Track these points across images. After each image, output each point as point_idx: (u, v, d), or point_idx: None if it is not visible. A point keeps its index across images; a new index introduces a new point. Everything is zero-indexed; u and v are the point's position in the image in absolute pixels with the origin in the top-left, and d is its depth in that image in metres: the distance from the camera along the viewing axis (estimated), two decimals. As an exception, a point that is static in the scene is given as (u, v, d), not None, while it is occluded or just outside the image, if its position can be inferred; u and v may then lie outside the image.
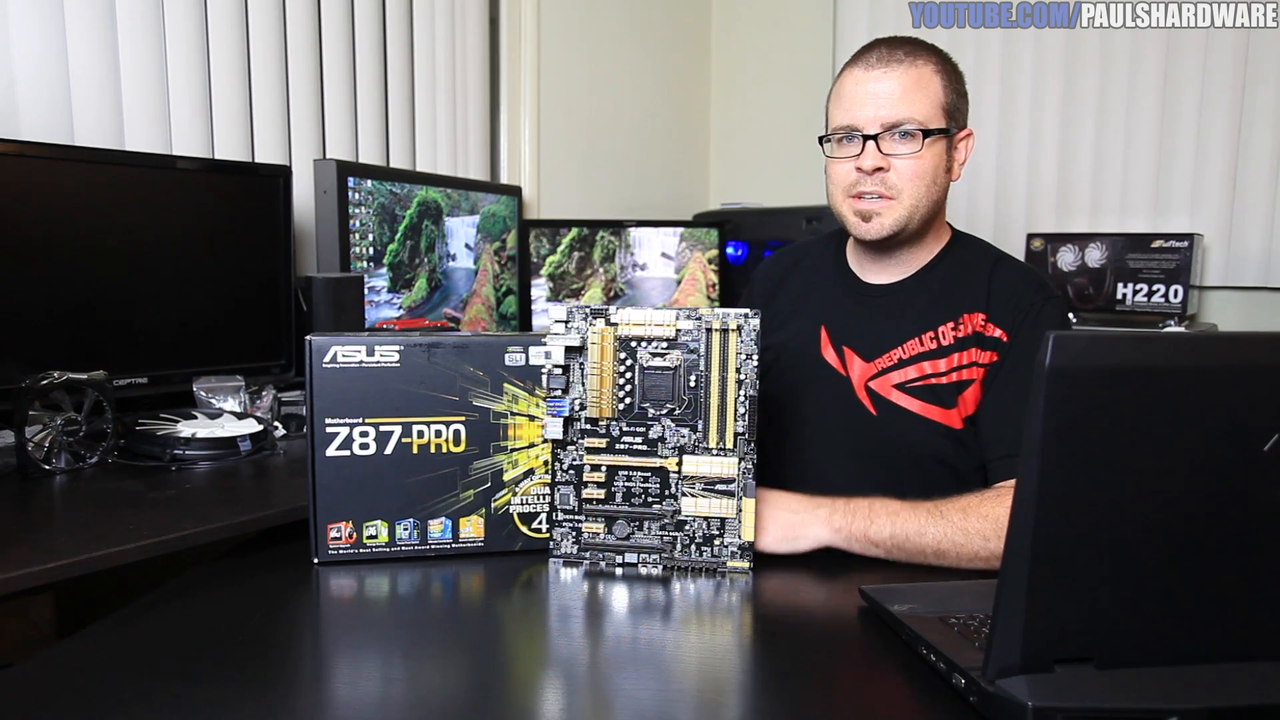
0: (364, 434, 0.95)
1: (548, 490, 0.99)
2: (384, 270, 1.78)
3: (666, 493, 0.97)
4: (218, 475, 1.20)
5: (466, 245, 2.04)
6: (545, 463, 0.99)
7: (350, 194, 1.68)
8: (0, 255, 1.23)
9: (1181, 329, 2.22)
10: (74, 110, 1.47)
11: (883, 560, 1.01)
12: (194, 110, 1.64)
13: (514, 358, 0.98)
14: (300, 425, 1.46)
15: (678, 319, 0.95)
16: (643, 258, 2.42)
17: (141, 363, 1.39)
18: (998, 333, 1.14)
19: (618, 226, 2.39)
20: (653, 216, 2.76)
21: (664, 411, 0.96)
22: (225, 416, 1.39)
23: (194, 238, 1.46)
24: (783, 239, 2.48)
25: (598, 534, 0.97)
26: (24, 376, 1.16)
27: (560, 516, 0.98)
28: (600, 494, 0.97)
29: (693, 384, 0.96)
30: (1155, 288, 2.34)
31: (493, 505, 0.99)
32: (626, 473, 0.97)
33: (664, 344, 0.96)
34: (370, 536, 0.96)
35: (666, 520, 0.97)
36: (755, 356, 0.95)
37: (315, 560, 0.95)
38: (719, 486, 0.96)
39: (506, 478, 0.99)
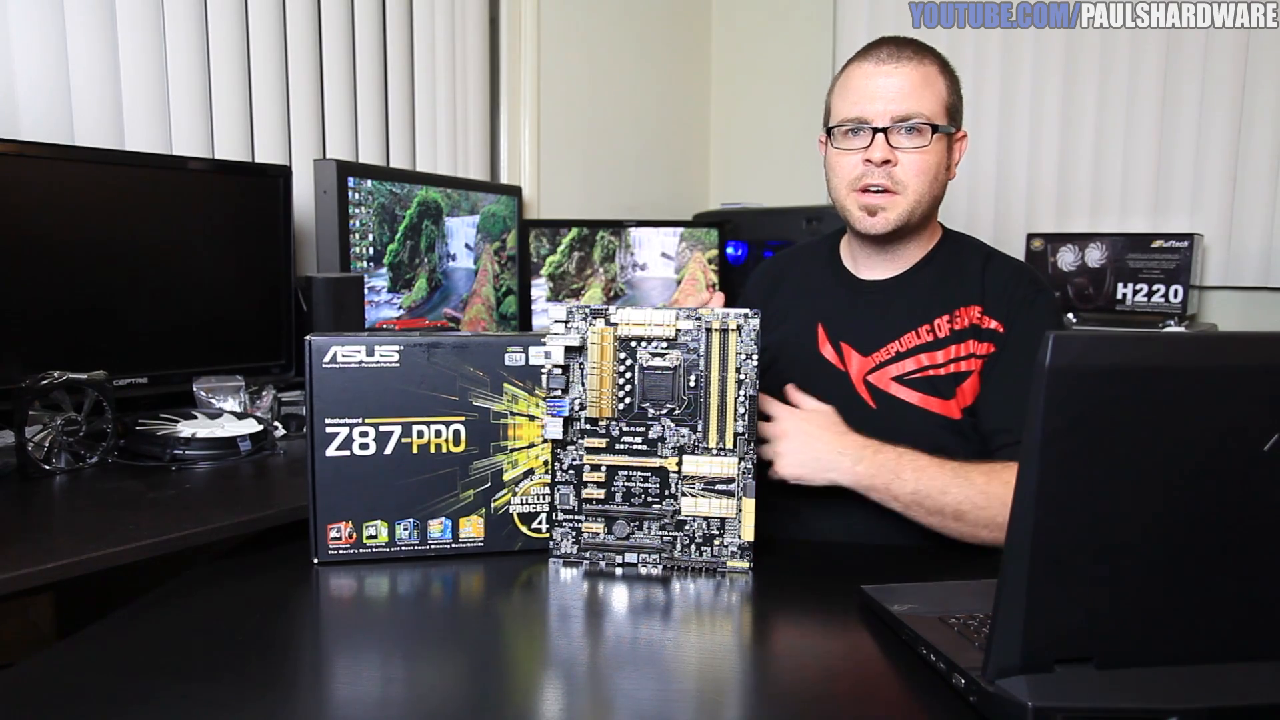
0: (364, 434, 0.95)
1: (548, 490, 0.99)
2: (384, 270, 1.78)
3: (666, 493, 0.97)
4: (218, 475, 1.20)
5: (466, 245, 2.04)
6: (545, 463, 0.99)
7: (350, 194, 1.68)
8: (0, 255, 1.23)
9: (1181, 329, 2.22)
10: (74, 110, 1.47)
11: (882, 560, 1.01)
12: (194, 110, 1.64)
13: (514, 358, 0.98)
14: (300, 425, 1.46)
15: (678, 319, 0.95)
16: (643, 258, 2.42)
17: (141, 363, 1.39)
18: (994, 324, 1.16)
19: (618, 226, 2.39)
20: (653, 216, 2.76)
21: (664, 411, 0.96)
22: (225, 416, 1.39)
23: (194, 238, 1.46)
24: (783, 239, 2.48)
25: (598, 534, 0.97)
26: (24, 376, 1.16)
27: (560, 516, 0.98)
28: (600, 494, 0.97)
29: (692, 384, 0.96)
30: (1155, 288, 2.34)
31: (493, 505, 0.99)
32: (626, 473, 0.97)
33: (664, 344, 0.96)
34: (370, 536, 0.96)
35: (666, 520, 0.97)
36: (755, 356, 0.95)
37: (315, 560, 0.95)
38: (719, 486, 0.96)
39: (506, 478, 0.99)
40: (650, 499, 0.97)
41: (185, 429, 1.32)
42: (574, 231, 2.32)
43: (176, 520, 0.97)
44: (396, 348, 0.95)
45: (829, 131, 1.21)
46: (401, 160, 2.10)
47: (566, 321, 0.96)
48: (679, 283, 2.45)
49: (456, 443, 0.97)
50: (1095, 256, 2.42)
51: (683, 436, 0.96)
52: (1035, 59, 2.61)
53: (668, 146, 3.03)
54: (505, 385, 0.98)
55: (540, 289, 2.29)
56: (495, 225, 2.14)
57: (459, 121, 2.25)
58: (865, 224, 1.18)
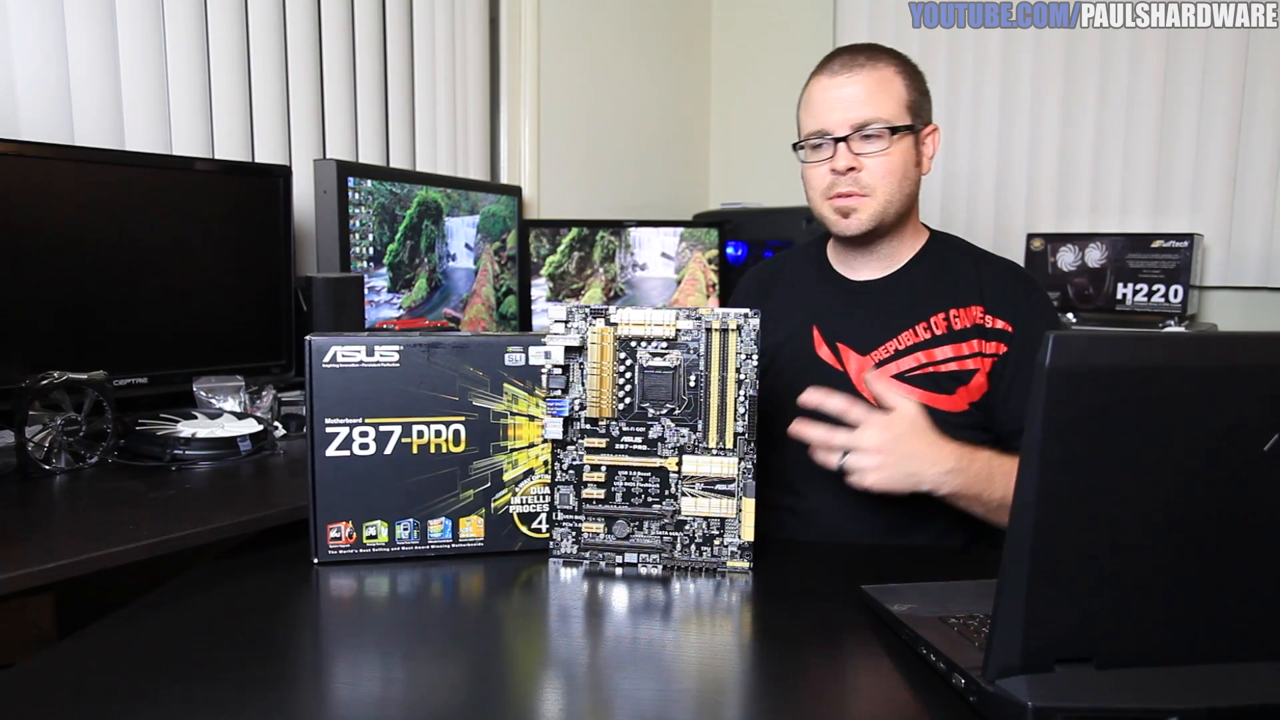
0: (364, 434, 0.95)
1: (548, 490, 0.99)
2: (384, 270, 1.78)
3: (666, 493, 0.97)
4: (218, 475, 1.20)
5: (466, 245, 2.04)
6: (545, 463, 0.99)
7: (350, 194, 1.68)
8: (0, 255, 1.23)
9: (1181, 329, 2.22)
10: (74, 110, 1.47)
11: (882, 560, 1.01)
12: (194, 110, 1.64)
13: (514, 358, 0.98)
14: (300, 425, 1.46)
15: (677, 319, 0.95)
16: (643, 258, 2.42)
17: (141, 363, 1.39)
18: (1001, 324, 1.18)
19: (618, 226, 2.38)
20: (653, 216, 2.76)
21: (664, 411, 0.96)
22: (225, 416, 1.39)
23: (194, 238, 1.46)
24: (783, 239, 2.48)
25: (598, 534, 0.97)
26: (24, 376, 1.16)
27: (560, 516, 0.98)
28: (600, 494, 0.97)
29: (692, 384, 0.96)
30: (1155, 288, 2.34)
31: (493, 505, 0.99)
32: (626, 473, 0.97)
33: (664, 344, 0.96)
34: (370, 536, 0.96)
35: (666, 520, 0.97)
36: (755, 356, 0.95)
37: (315, 560, 0.95)
38: (719, 486, 0.96)
39: (506, 478, 0.99)
40: (650, 499, 0.97)
41: (185, 429, 1.32)
42: (574, 231, 2.32)
43: (176, 520, 0.97)
44: (396, 348, 0.95)
45: (797, 146, 1.25)
46: (401, 160, 2.10)
47: (566, 321, 0.96)
48: (679, 283, 2.45)
49: (456, 443, 0.97)
50: (1095, 256, 2.42)
51: (683, 436, 0.96)
52: (1035, 59, 2.61)
53: (668, 146, 3.03)
54: (505, 385, 0.98)
55: (540, 289, 2.29)
56: (495, 225, 2.14)
57: (459, 121, 2.25)
58: (841, 226, 1.21)
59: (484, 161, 2.35)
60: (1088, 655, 0.63)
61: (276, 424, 1.45)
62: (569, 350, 0.96)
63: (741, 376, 0.95)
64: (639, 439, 0.97)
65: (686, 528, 0.97)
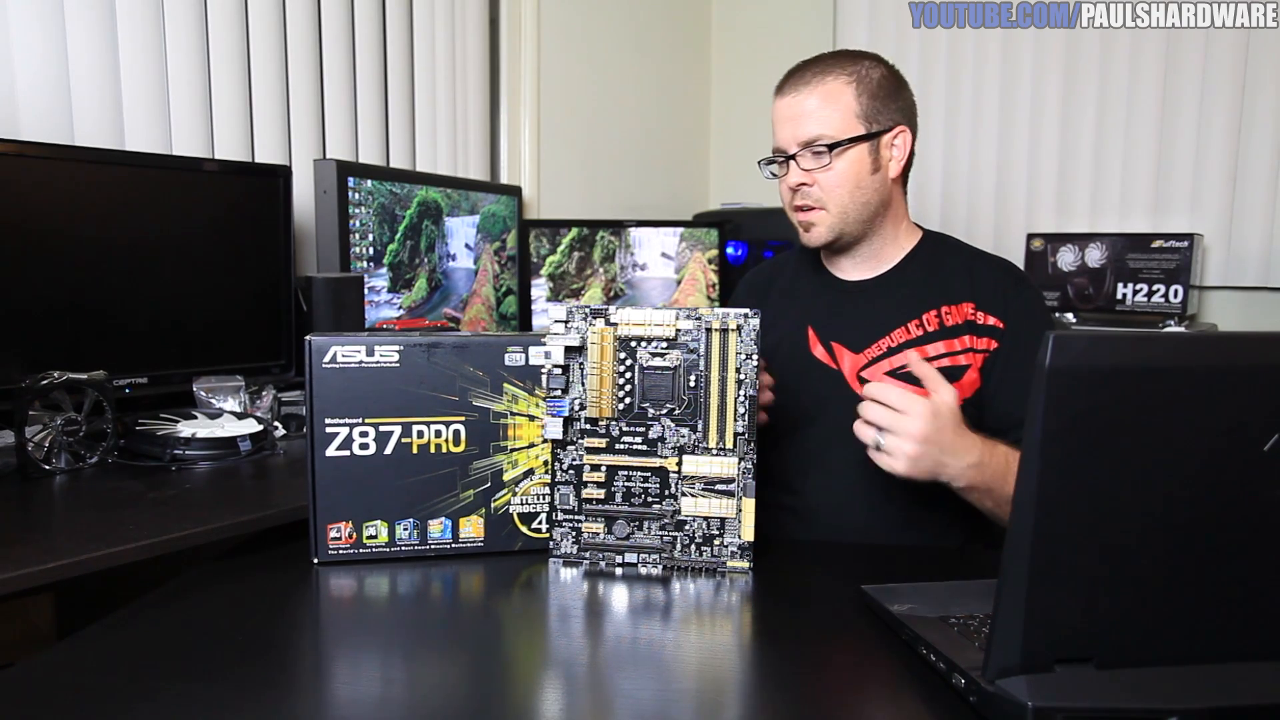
0: (364, 434, 0.95)
1: (548, 490, 0.99)
2: (384, 270, 1.78)
3: (666, 493, 0.97)
4: (218, 475, 1.20)
5: (466, 245, 2.04)
6: (545, 463, 0.99)
7: (350, 194, 1.68)
8: (0, 255, 1.23)
9: (1181, 329, 2.22)
10: (74, 110, 1.47)
11: (882, 560, 1.01)
12: (194, 110, 1.64)
13: (514, 358, 0.98)
14: (300, 425, 1.46)
15: (678, 319, 0.95)
16: (643, 258, 2.42)
17: (141, 363, 1.39)
18: (991, 320, 1.19)
19: (618, 226, 2.38)
20: (653, 216, 2.75)
21: (664, 411, 0.96)
22: (225, 416, 1.39)
23: (194, 238, 1.46)
24: (783, 239, 2.48)
25: (598, 534, 0.97)
26: (24, 376, 1.16)
27: (560, 516, 0.98)
28: (600, 494, 0.97)
29: (692, 384, 0.96)
30: (1155, 288, 2.34)
31: (493, 505, 0.99)
32: (626, 473, 0.97)
33: (664, 344, 0.96)
34: (370, 536, 0.96)
35: (666, 520, 0.97)
36: (755, 356, 0.95)
37: (315, 560, 0.95)
38: (719, 486, 0.96)
39: (506, 478, 0.99)
40: (650, 499, 0.97)
41: (185, 429, 1.32)
42: (574, 231, 2.32)
43: (176, 520, 0.97)
44: (396, 348, 0.95)
45: (762, 164, 1.28)
46: (401, 160, 2.10)
47: (566, 321, 0.96)
48: (679, 283, 2.45)
49: (456, 443, 0.97)
50: (1095, 256, 2.42)
51: (683, 436, 0.96)
52: (1035, 59, 2.61)
53: (668, 146, 3.03)
54: (505, 385, 0.98)
55: (540, 289, 2.29)
56: (495, 225, 2.14)
57: (459, 121, 2.25)
58: (804, 239, 1.26)
59: (484, 161, 2.35)
60: (1088, 655, 0.63)
61: (276, 424, 1.45)
62: (569, 350, 0.96)
63: (741, 376, 0.95)
64: (639, 439, 0.97)
65: (686, 528, 0.97)
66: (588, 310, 0.96)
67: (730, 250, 2.54)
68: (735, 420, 0.96)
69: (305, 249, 1.77)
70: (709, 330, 0.95)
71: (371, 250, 1.74)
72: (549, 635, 0.84)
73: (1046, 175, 2.63)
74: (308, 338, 0.94)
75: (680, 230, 2.45)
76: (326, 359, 0.94)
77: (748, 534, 0.96)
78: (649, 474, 0.97)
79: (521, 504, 1.00)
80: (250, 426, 1.34)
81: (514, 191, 2.23)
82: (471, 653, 0.78)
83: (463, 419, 0.97)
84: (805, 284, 1.33)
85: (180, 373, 1.44)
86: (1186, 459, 0.61)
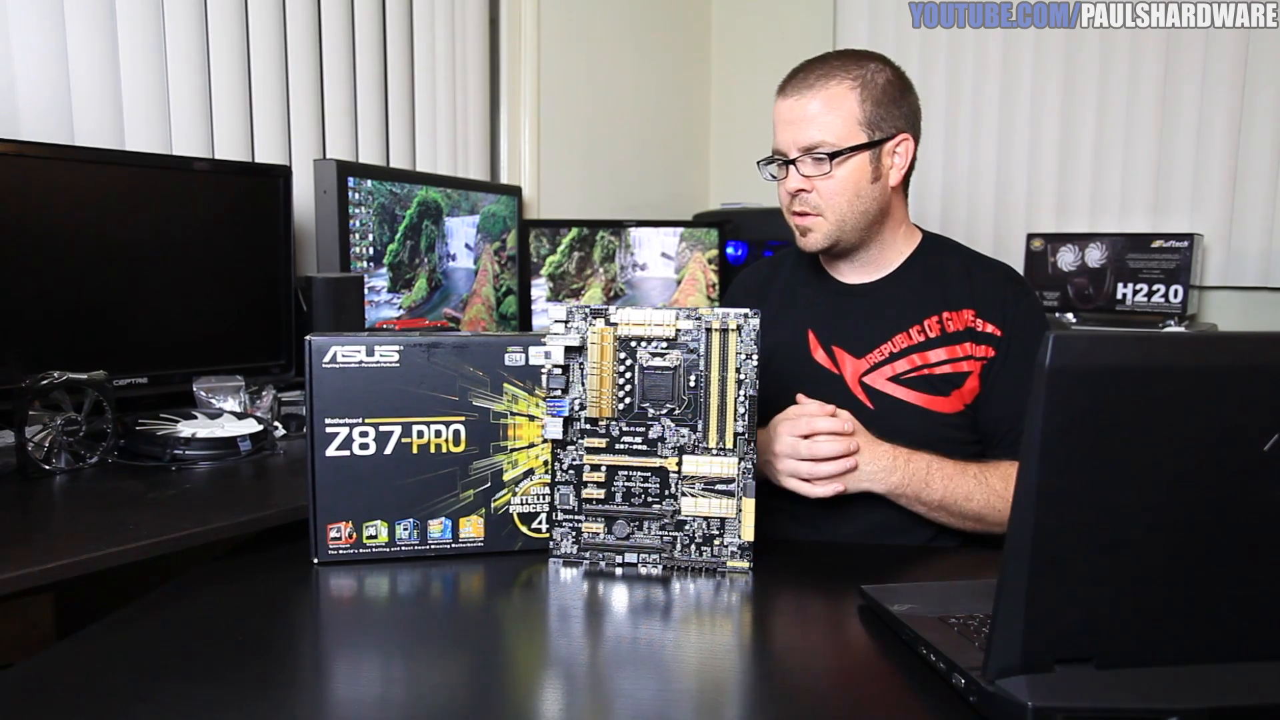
0: (364, 434, 0.95)
1: (548, 490, 0.99)
2: (384, 270, 1.78)
3: (666, 493, 0.97)
4: (218, 475, 1.20)
5: (466, 245, 2.04)
6: (545, 463, 0.99)
7: (350, 194, 1.68)
8: (0, 255, 1.23)
9: (1181, 329, 2.22)
10: (74, 110, 1.47)
11: (882, 560, 1.01)
12: (194, 110, 1.64)
13: (514, 358, 0.98)
14: (300, 425, 1.46)
15: (677, 319, 0.95)
16: (643, 258, 2.42)
17: (141, 363, 1.39)
18: (990, 328, 1.19)
19: (618, 226, 2.38)
20: (653, 216, 2.75)
21: (664, 411, 0.96)
22: (225, 416, 1.39)
23: (194, 238, 1.46)
24: (783, 239, 2.48)
25: (598, 534, 0.97)
26: (24, 376, 1.16)
27: (560, 516, 0.98)
28: (600, 494, 0.97)
29: (692, 384, 0.96)
30: (1155, 288, 2.34)
31: (493, 505, 0.99)
32: (626, 473, 0.97)
33: (664, 344, 0.96)
34: (370, 536, 0.96)
35: (666, 520, 0.97)
36: (755, 356, 0.95)
37: (315, 560, 0.95)
38: (719, 486, 0.96)
39: (506, 478, 0.99)
40: (650, 499, 0.97)
41: (185, 429, 1.32)
42: (574, 231, 2.32)
43: (176, 520, 0.97)
44: (396, 348, 0.95)
45: (762, 164, 1.26)
46: (401, 160, 2.09)
47: (566, 321, 0.96)
48: (679, 283, 2.45)
49: (456, 443, 0.97)
50: (1095, 256, 2.42)
51: (683, 436, 0.96)
52: (1035, 59, 2.61)
53: (668, 146, 3.03)
54: (505, 385, 0.98)
55: (540, 289, 2.29)
56: (495, 225, 2.14)
57: (459, 121, 2.25)
58: (801, 243, 1.25)
59: (484, 161, 2.35)
60: (1088, 655, 0.63)
61: (276, 424, 1.45)
62: (569, 350, 0.96)
63: (741, 376, 0.95)
64: (639, 439, 0.97)
65: (686, 528, 0.97)
66: (588, 310, 0.96)
67: (730, 250, 2.54)
68: (735, 420, 0.96)
69: (305, 249, 1.77)
70: (709, 330, 0.95)
71: (371, 250, 1.74)
72: (549, 635, 0.84)
73: (1046, 175, 2.63)
74: (308, 338, 0.94)
75: (680, 230, 2.45)
76: (326, 359, 0.94)
77: (748, 534, 0.96)
78: (649, 474, 0.97)
79: (521, 504, 1.00)
80: (250, 426, 1.34)
81: (514, 191, 2.23)
82: (471, 653, 0.78)
83: (463, 419, 0.97)
84: (804, 285, 1.32)
85: (180, 373, 1.44)
86: (1186, 459, 0.61)
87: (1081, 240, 2.44)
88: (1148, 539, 0.62)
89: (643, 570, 0.96)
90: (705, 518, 0.96)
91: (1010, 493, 1.00)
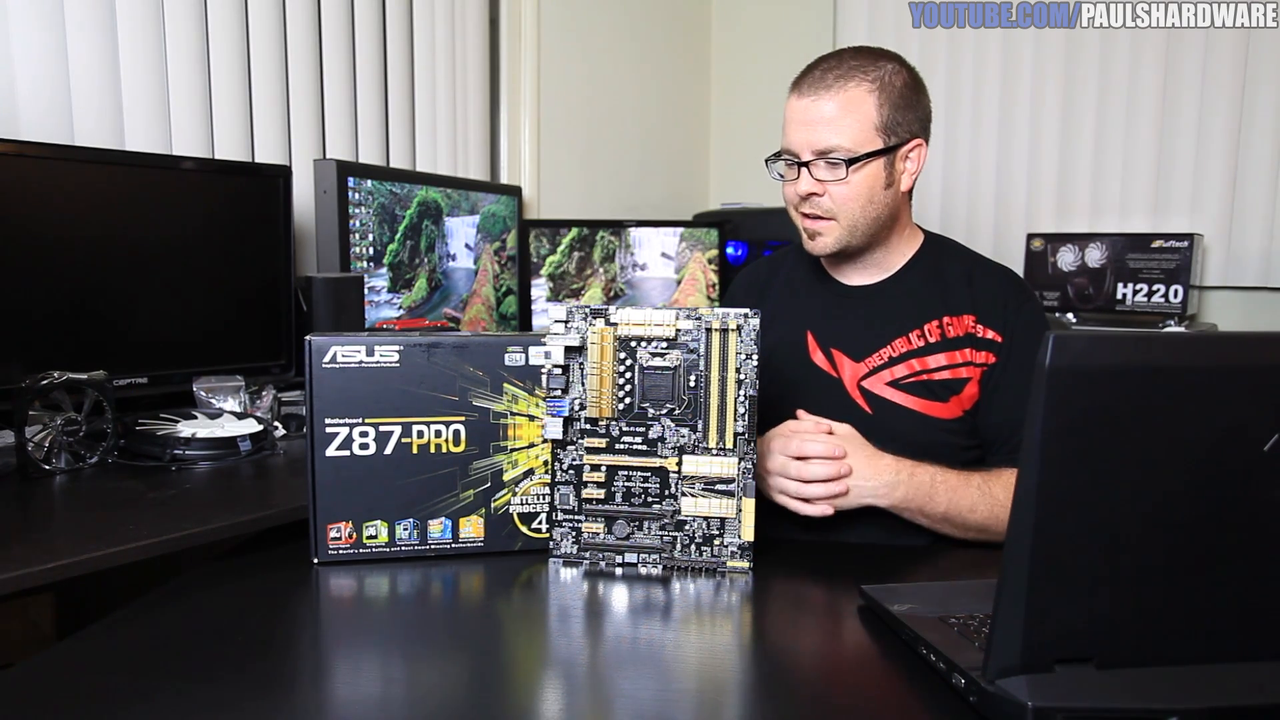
0: (364, 434, 0.95)
1: (548, 490, 0.99)
2: (384, 270, 1.78)
3: (666, 493, 0.97)
4: (218, 475, 1.20)
5: (466, 245, 2.04)
6: (545, 463, 0.99)
7: (350, 194, 1.68)
8: (0, 255, 1.23)
9: (1181, 329, 2.22)
10: (74, 110, 1.47)
11: (882, 560, 1.01)
12: (194, 110, 1.64)
13: (514, 358, 0.98)
14: (300, 425, 1.46)
15: (677, 319, 0.95)
16: (643, 258, 2.42)
17: (141, 363, 1.39)
18: (991, 334, 1.18)
19: (618, 226, 2.38)
20: (653, 216, 2.75)
21: (664, 411, 0.96)
22: (225, 416, 1.39)
23: (194, 238, 1.46)
24: (783, 239, 2.48)
25: (598, 534, 0.97)
26: (24, 376, 1.16)
27: (560, 516, 0.98)
28: (600, 494, 0.97)
29: (692, 384, 0.96)
30: (1155, 288, 2.34)
31: (493, 505, 0.99)
32: (626, 473, 0.97)
33: (664, 344, 0.96)
34: (370, 536, 0.96)
35: (666, 520, 0.97)
36: (755, 356, 0.95)
37: (315, 560, 0.95)
38: (719, 486, 0.96)
39: (506, 478, 0.99)
40: (650, 499, 0.97)
41: (185, 429, 1.32)
42: (574, 231, 2.32)
43: (176, 520, 0.97)
44: (396, 348, 0.95)
45: (769, 161, 1.23)
46: (401, 160, 2.09)
47: (566, 321, 0.96)
48: (679, 283, 2.45)
49: (456, 443, 0.97)
50: (1095, 256, 2.42)
51: (683, 436, 0.96)
52: (1035, 59, 2.61)
53: (668, 146, 3.03)
54: (505, 385, 0.98)
55: (540, 289, 2.29)
56: (495, 225, 2.14)
57: (459, 121, 2.25)
58: (809, 246, 1.22)
59: (484, 161, 2.35)
60: (1088, 655, 0.63)
61: (276, 424, 1.45)
62: (569, 350, 0.96)
63: (741, 376, 0.95)
64: (639, 439, 0.97)
65: (686, 528, 0.97)
66: (588, 310, 0.96)
67: (730, 250, 2.54)
68: (735, 420, 0.96)
69: (305, 249, 1.77)
70: (709, 330, 0.95)
71: (371, 250, 1.74)
72: (549, 635, 0.84)
73: (1046, 175, 2.63)
74: (308, 338, 0.94)
75: (680, 230, 2.45)
76: (326, 359, 0.94)
77: (748, 534, 0.96)
78: (649, 474, 0.97)
79: (521, 504, 1.00)
80: (250, 426, 1.34)
81: (514, 191, 2.23)
82: (471, 653, 0.78)
83: (463, 419, 0.97)
84: (804, 285, 1.31)
85: (180, 373, 1.44)
86: (1186, 459, 0.61)
87: (1081, 240, 2.44)
88: (1148, 539, 0.62)
89: (643, 570, 0.96)
90: (705, 518, 0.96)
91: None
